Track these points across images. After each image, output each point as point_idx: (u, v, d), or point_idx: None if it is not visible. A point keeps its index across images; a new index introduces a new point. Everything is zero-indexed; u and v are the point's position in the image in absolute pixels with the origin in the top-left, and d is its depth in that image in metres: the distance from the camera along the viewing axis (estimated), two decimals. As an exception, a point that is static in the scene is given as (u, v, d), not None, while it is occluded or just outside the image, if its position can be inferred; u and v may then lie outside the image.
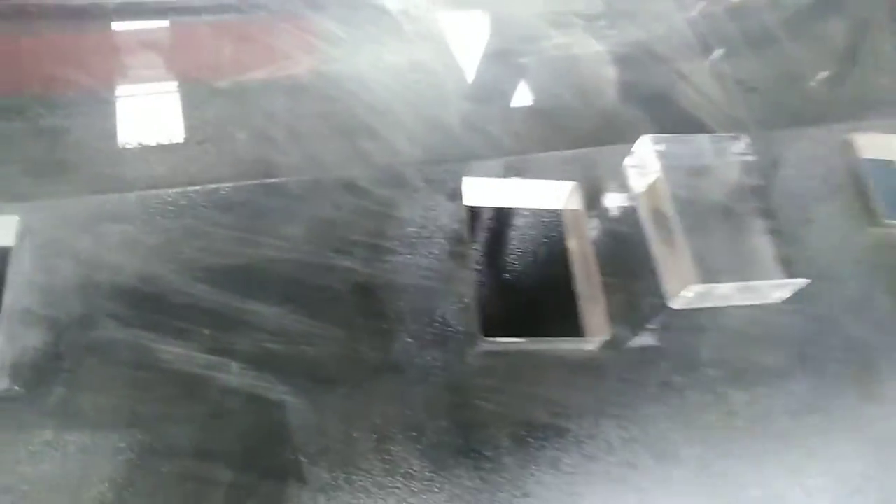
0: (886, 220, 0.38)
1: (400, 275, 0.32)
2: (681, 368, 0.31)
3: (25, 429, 0.26)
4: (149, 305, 0.29)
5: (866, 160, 0.40)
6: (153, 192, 0.32)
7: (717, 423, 0.31)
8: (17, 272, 0.28)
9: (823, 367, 0.32)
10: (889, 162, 0.40)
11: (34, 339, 0.28)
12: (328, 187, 0.34)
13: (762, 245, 0.32)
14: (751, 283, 0.30)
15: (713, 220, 0.32)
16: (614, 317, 0.32)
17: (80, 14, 0.37)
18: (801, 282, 0.31)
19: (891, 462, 0.31)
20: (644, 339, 0.32)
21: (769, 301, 0.32)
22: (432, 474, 0.28)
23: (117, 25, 0.37)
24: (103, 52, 0.37)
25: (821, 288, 0.35)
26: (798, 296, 0.33)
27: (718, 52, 0.43)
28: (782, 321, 0.33)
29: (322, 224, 0.32)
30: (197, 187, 0.32)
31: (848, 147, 0.41)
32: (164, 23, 0.38)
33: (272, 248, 0.31)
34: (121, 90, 0.36)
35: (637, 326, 0.32)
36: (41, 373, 0.27)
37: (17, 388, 0.26)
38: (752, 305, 0.32)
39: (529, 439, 0.30)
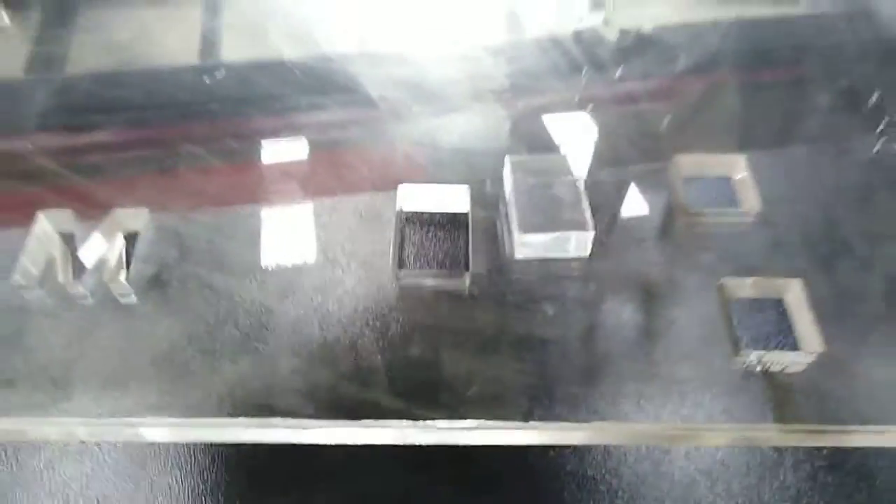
0: (691, 211, 0.56)
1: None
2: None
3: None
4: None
5: (685, 178, 0.58)
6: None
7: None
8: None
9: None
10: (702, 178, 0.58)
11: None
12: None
13: (578, 219, 0.52)
14: (550, 235, 0.50)
15: (543, 205, 0.52)
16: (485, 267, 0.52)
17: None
18: (588, 234, 0.50)
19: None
20: (497, 277, 0.52)
21: (578, 255, 0.52)
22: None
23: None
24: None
25: (626, 255, 0.53)
26: (605, 255, 0.52)
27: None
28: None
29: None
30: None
31: (673, 167, 0.59)
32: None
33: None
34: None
35: (492, 268, 0.52)
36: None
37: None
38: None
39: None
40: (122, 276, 0.51)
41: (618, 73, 0.66)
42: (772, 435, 0.44)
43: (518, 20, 0.73)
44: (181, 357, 0.47)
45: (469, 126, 0.63)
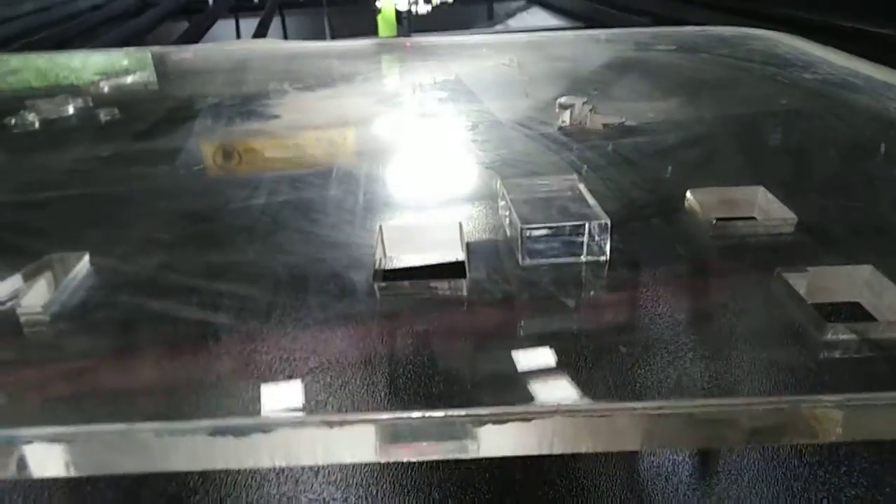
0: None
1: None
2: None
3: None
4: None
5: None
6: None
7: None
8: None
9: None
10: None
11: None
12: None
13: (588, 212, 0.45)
14: (559, 226, 0.42)
15: (545, 206, 0.45)
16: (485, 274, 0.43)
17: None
18: (604, 223, 0.42)
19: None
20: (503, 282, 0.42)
21: (596, 255, 0.43)
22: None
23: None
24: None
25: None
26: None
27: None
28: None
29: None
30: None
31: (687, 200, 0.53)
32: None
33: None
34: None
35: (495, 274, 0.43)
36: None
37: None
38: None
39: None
40: (37, 305, 0.42)
41: (609, 147, 0.64)
42: None
43: (503, 125, 0.73)
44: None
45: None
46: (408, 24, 1.18)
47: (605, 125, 0.70)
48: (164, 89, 0.98)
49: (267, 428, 0.31)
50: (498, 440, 0.32)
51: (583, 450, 0.32)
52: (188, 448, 0.31)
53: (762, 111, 0.73)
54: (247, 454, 0.31)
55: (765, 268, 0.42)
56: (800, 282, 0.41)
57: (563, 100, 0.79)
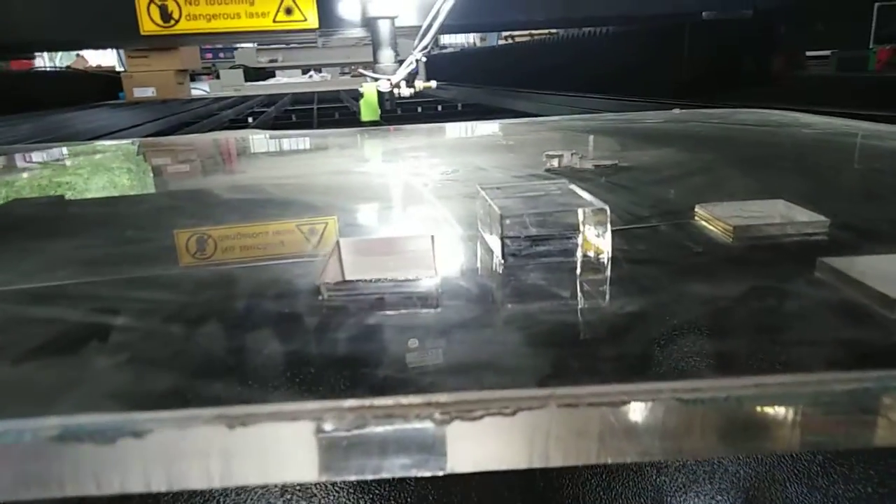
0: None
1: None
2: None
3: None
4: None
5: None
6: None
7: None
8: None
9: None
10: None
11: None
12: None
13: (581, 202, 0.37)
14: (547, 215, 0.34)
15: (532, 200, 0.38)
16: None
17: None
18: (602, 211, 0.34)
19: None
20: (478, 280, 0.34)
21: (594, 252, 0.35)
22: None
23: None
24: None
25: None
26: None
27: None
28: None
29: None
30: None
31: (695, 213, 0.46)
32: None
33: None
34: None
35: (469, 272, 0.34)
36: None
37: None
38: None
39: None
40: None
41: (603, 179, 0.57)
42: None
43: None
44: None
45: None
46: (391, 105, 1.16)
47: (596, 166, 0.65)
48: (136, 161, 0.94)
49: (139, 429, 0.22)
50: (469, 447, 0.22)
51: (591, 460, 0.23)
52: (29, 458, 0.22)
53: (765, 153, 0.68)
54: (112, 471, 0.22)
55: (805, 261, 0.34)
56: (848, 268, 0.33)
57: (550, 151, 0.74)
